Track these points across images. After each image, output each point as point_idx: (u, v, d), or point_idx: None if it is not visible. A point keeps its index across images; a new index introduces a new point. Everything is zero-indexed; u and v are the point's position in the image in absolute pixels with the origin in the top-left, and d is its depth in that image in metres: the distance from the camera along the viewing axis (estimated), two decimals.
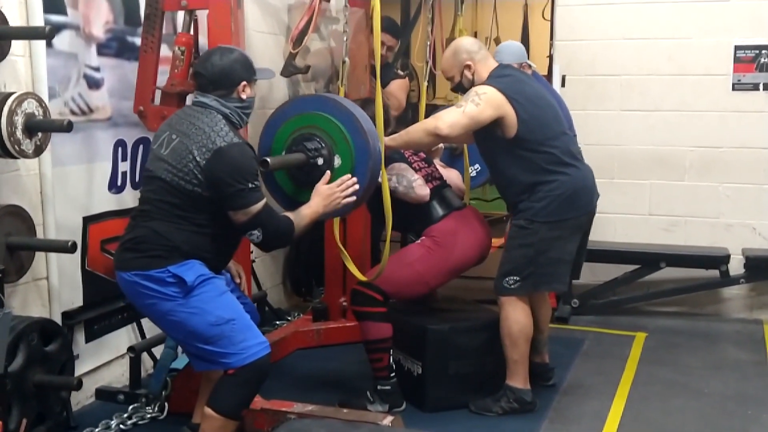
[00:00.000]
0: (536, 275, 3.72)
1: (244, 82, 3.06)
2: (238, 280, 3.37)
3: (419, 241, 3.87)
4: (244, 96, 3.07)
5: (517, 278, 3.72)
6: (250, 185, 2.92)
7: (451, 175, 4.22)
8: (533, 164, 3.68)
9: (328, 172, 3.25)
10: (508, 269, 3.75)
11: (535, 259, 3.70)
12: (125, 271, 2.98)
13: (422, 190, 3.82)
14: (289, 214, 3.13)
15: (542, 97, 3.79)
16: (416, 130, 3.70)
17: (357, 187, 3.25)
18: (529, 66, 4.70)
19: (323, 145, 3.26)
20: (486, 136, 3.74)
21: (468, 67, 3.78)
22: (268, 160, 3.14)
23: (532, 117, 3.66)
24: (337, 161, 3.26)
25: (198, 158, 2.90)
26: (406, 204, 3.78)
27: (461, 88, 3.83)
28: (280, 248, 3.29)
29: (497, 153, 3.76)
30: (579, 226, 3.80)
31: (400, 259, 3.81)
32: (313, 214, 3.18)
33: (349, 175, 3.25)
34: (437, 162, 4.23)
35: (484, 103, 3.59)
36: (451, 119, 3.60)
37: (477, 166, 4.73)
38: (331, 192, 3.21)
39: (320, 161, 3.25)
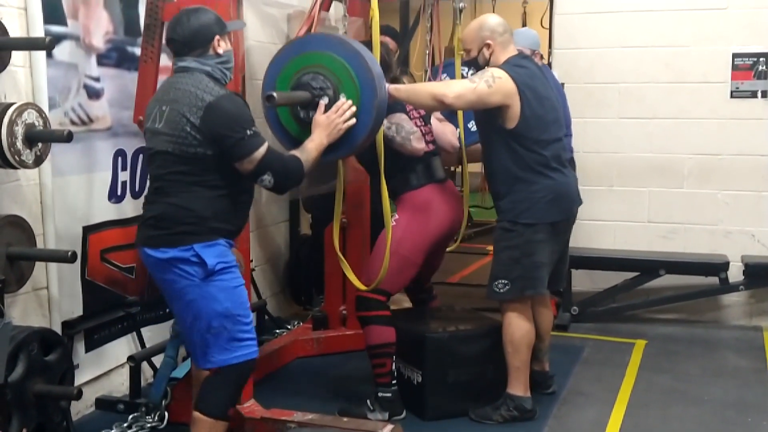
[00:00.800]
0: (523, 278, 3.73)
1: (217, 37, 3.05)
2: (242, 270, 3.36)
3: (393, 222, 3.80)
4: (220, 51, 3.06)
5: (506, 281, 3.73)
6: (248, 132, 2.92)
7: (447, 130, 4.18)
8: (522, 161, 3.70)
9: (322, 102, 3.24)
10: (496, 272, 3.77)
11: (521, 261, 3.71)
12: (153, 247, 2.99)
13: (419, 143, 3.82)
14: (294, 152, 3.13)
15: (549, 99, 3.80)
16: (423, 91, 3.68)
17: (354, 109, 3.25)
18: (541, 56, 4.71)
19: (329, 84, 3.26)
20: (486, 118, 3.76)
21: (488, 45, 3.76)
22: (274, 94, 3.12)
23: (535, 115, 3.67)
24: (342, 100, 3.25)
25: (192, 119, 2.90)
26: (395, 156, 3.75)
27: (475, 63, 3.82)
28: (294, 187, 3.28)
29: (493, 139, 3.78)
30: (557, 232, 3.81)
31: (382, 249, 3.76)
32: (318, 145, 3.18)
33: (344, 99, 3.25)
34: (436, 115, 4.18)
35: (496, 87, 3.60)
36: (460, 90, 3.60)
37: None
38: (329, 120, 3.22)
39: (325, 100, 3.25)
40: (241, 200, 3.11)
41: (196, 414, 3.01)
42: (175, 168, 2.97)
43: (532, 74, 3.75)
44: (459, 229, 4.06)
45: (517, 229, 3.70)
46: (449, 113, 4.54)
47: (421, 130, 3.91)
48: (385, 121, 3.53)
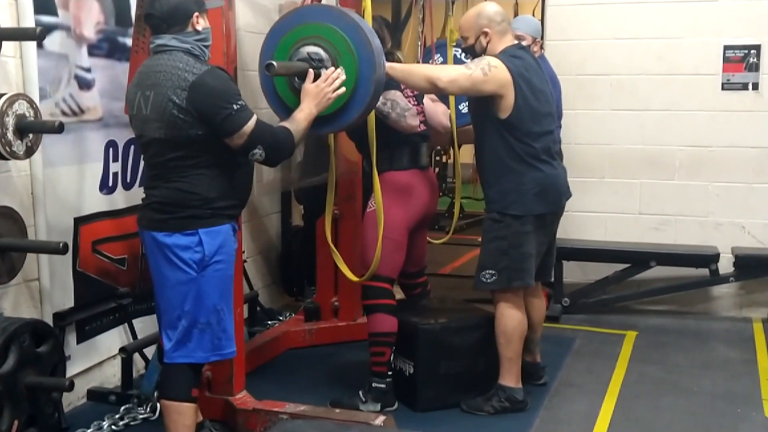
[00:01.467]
0: (510, 269, 3.73)
1: (196, 13, 3.01)
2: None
3: (373, 208, 3.81)
4: (199, 28, 3.01)
5: (493, 272, 3.73)
6: (235, 106, 2.89)
7: (438, 110, 4.18)
8: (513, 151, 3.70)
9: (311, 71, 3.21)
10: (484, 263, 3.78)
11: (508, 252, 3.72)
12: (156, 231, 2.98)
13: (413, 120, 3.83)
14: (283, 123, 3.12)
15: (543, 92, 3.80)
16: (417, 73, 3.67)
17: (344, 77, 3.22)
18: (542, 45, 4.70)
19: (327, 55, 3.24)
20: (480, 106, 3.77)
21: (485, 33, 3.76)
22: (274, 63, 3.10)
23: (528, 107, 3.67)
24: (340, 73, 3.23)
25: (177, 101, 2.87)
26: (387, 133, 3.74)
27: (471, 50, 3.81)
28: (286, 159, 3.27)
29: (485, 127, 3.78)
30: (544, 224, 3.81)
31: (371, 236, 3.79)
32: (308, 115, 3.16)
33: (333, 68, 3.23)
34: (429, 95, 4.17)
35: (492, 75, 3.60)
36: (454, 75, 3.61)
37: (467, 104, 4.71)
38: (318, 89, 3.19)
39: (310, 71, 3.22)
40: (241, 173, 3.09)
41: (164, 402, 3.06)
42: (172, 154, 2.95)
43: (528, 66, 3.75)
44: (432, 217, 4.10)
45: (506, 221, 3.71)
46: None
47: (415, 109, 3.92)
48: (380, 97, 3.52)
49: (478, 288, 3.82)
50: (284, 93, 3.34)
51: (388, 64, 3.50)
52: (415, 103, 3.98)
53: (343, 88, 3.23)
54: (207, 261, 2.95)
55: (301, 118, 3.13)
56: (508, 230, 3.71)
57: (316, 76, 3.21)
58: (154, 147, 2.99)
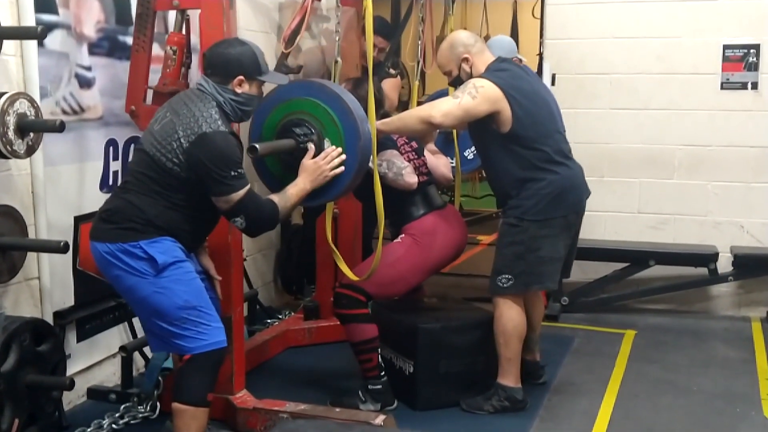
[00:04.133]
0: (527, 274, 3.73)
1: (241, 77, 3.06)
2: (218, 278, 3.37)
3: (399, 239, 3.88)
4: (239, 90, 3.07)
5: (509, 276, 3.73)
6: (232, 173, 2.93)
7: (440, 162, 4.20)
8: (525, 160, 3.69)
9: (312, 146, 3.23)
10: (500, 267, 3.77)
11: (526, 256, 3.71)
12: (99, 241, 3.02)
13: (411, 177, 3.82)
14: (274, 197, 3.14)
15: (538, 94, 3.80)
16: (410, 117, 3.70)
17: (343, 157, 3.24)
18: (520, 60, 4.71)
19: (312, 129, 3.26)
20: (480, 128, 3.76)
21: (465, 60, 3.77)
22: (257, 146, 3.13)
23: (527, 114, 3.67)
24: (327, 145, 3.26)
25: (182, 139, 2.92)
26: (391, 193, 3.75)
27: (459, 82, 3.82)
28: (267, 231, 3.31)
29: (490, 145, 3.78)
30: (568, 225, 3.81)
31: (382, 258, 3.81)
32: (300, 191, 3.18)
33: (334, 147, 3.24)
34: (429, 147, 4.20)
35: (481, 96, 3.60)
36: (446, 109, 3.61)
37: (473, 148, 4.72)
38: (316, 166, 3.21)
39: (310, 146, 3.25)
40: (199, 223, 3.13)
41: (176, 405, 3.03)
42: (147, 171, 2.99)
43: (515, 74, 3.75)
44: (463, 250, 4.06)
45: (523, 225, 3.70)
46: (444, 142, 4.58)
47: (414, 163, 3.93)
48: (377, 160, 3.53)
49: (495, 293, 3.80)
50: (273, 166, 3.40)
51: (380, 121, 3.53)
52: (416, 156, 4.00)
53: (342, 168, 3.25)
54: (160, 266, 2.94)
55: (292, 194, 3.17)
56: (524, 235, 3.70)
57: (303, 151, 3.23)
58: (139, 156, 3.05)
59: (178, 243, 3.03)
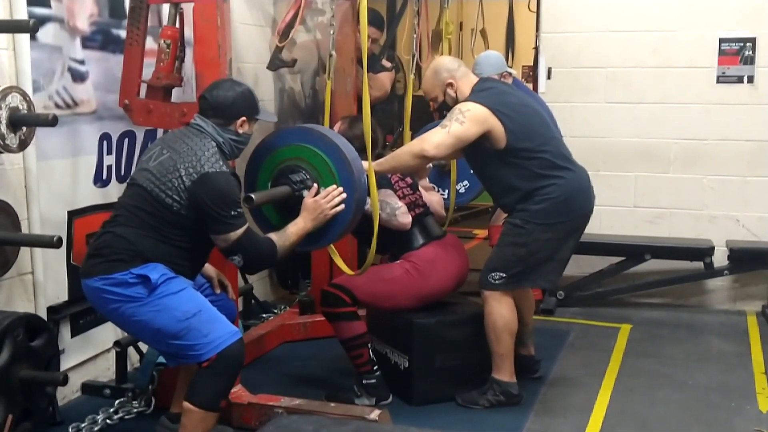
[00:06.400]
0: (522, 273, 3.73)
1: (244, 118, 3.12)
2: (218, 291, 3.38)
3: (398, 261, 3.86)
4: (241, 131, 3.13)
5: (504, 275, 3.72)
6: (232, 212, 2.97)
7: (433, 200, 4.21)
8: (528, 171, 3.67)
9: (315, 185, 3.27)
10: (496, 265, 3.76)
11: (526, 259, 3.71)
12: (89, 277, 2.99)
13: (404, 218, 3.81)
14: (272, 235, 3.17)
15: (526, 105, 3.79)
16: (403, 153, 3.69)
17: (344, 195, 3.27)
18: (510, 74, 4.71)
19: (308, 177, 3.29)
20: (476, 150, 3.73)
21: (450, 85, 3.77)
22: (253, 196, 3.17)
23: (520, 126, 3.65)
24: (333, 186, 3.29)
25: (184, 178, 2.95)
26: (387, 230, 3.75)
27: (445, 106, 3.82)
28: (266, 269, 3.34)
29: (489, 165, 3.75)
30: (575, 228, 3.81)
31: (379, 272, 3.82)
32: (300, 230, 3.22)
33: (335, 186, 3.27)
34: (423, 184, 4.21)
35: (469, 120, 3.59)
36: (437, 140, 3.59)
37: (466, 182, 4.78)
38: (317, 204, 3.24)
39: (305, 194, 3.28)
40: (196, 255, 3.13)
41: (187, 404, 3.00)
42: (143, 206, 2.99)
43: (500, 91, 3.76)
44: (464, 281, 4.04)
45: (528, 228, 3.68)
46: (438, 176, 4.58)
47: (409, 199, 3.93)
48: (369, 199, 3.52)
49: (484, 287, 3.79)
50: (269, 212, 3.42)
51: (374, 162, 3.53)
52: (411, 192, 3.99)
53: (342, 206, 3.26)
54: (153, 283, 2.92)
55: (292, 232, 3.20)
56: (528, 237, 3.68)
57: (299, 199, 3.26)
58: (133, 191, 3.05)
59: (168, 267, 3.01)
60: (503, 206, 3.91)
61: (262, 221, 3.46)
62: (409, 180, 4.04)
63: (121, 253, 2.95)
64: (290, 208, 3.31)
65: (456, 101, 3.75)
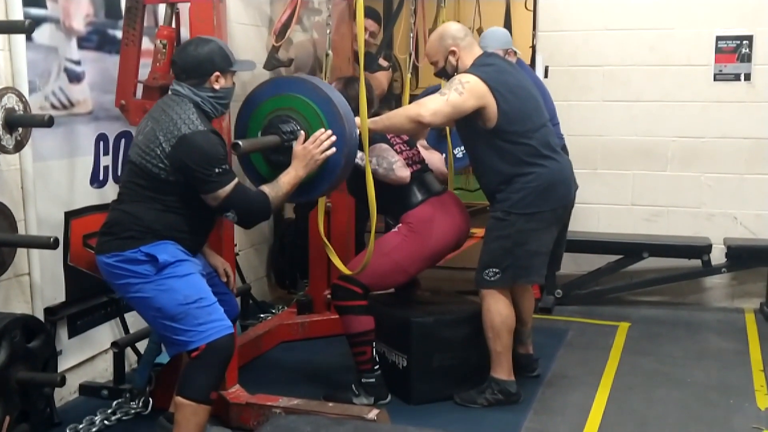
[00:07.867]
0: (515, 267, 3.72)
1: (218, 73, 3.09)
2: (225, 279, 3.40)
3: (395, 229, 3.87)
4: (217, 86, 3.10)
5: (497, 270, 3.72)
6: (216, 170, 2.96)
7: (434, 158, 4.19)
8: (512, 155, 3.68)
9: (302, 132, 3.24)
10: (487, 261, 3.76)
11: (513, 250, 3.70)
12: (102, 254, 3.06)
13: (402, 171, 3.80)
14: (265, 187, 3.16)
15: (524, 88, 3.79)
16: (399, 116, 3.69)
17: (334, 138, 3.25)
18: (515, 53, 4.70)
19: (299, 127, 3.26)
20: (466, 124, 3.74)
21: (453, 53, 3.76)
22: (240, 143, 3.14)
23: (513, 108, 3.65)
24: (321, 130, 3.25)
25: (164, 144, 2.96)
26: (385, 186, 3.74)
27: (444, 73, 3.82)
28: (262, 221, 3.32)
29: (477, 142, 3.76)
30: (556, 219, 3.80)
31: (378, 248, 3.78)
32: (292, 179, 3.20)
33: (323, 130, 3.25)
34: (421, 143, 4.19)
35: (468, 92, 3.59)
36: (434, 107, 3.59)
37: (463, 147, 4.72)
38: (306, 151, 3.22)
39: (300, 132, 3.25)
40: (199, 221, 3.14)
41: (179, 399, 3.02)
42: (136, 180, 3.04)
43: (500, 69, 3.74)
44: (465, 238, 4.02)
45: (510, 219, 3.68)
46: (436, 140, 4.56)
47: (405, 154, 3.91)
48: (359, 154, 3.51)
49: (481, 286, 3.79)
50: (258, 163, 3.40)
51: (369, 120, 3.51)
52: (407, 147, 3.98)
53: (333, 149, 3.24)
54: (161, 264, 2.97)
55: (284, 182, 3.19)
56: (511, 228, 3.69)
57: (288, 149, 3.24)
58: (128, 168, 3.10)
59: (179, 246, 3.05)
60: (483, 186, 3.90)
61: (253, 173, 3.43)
62: (405, 137, 4.01)
63: (130, 229, 3.00)
64: (280, 159, 3.27)
65: (456, 70, 3.75)
